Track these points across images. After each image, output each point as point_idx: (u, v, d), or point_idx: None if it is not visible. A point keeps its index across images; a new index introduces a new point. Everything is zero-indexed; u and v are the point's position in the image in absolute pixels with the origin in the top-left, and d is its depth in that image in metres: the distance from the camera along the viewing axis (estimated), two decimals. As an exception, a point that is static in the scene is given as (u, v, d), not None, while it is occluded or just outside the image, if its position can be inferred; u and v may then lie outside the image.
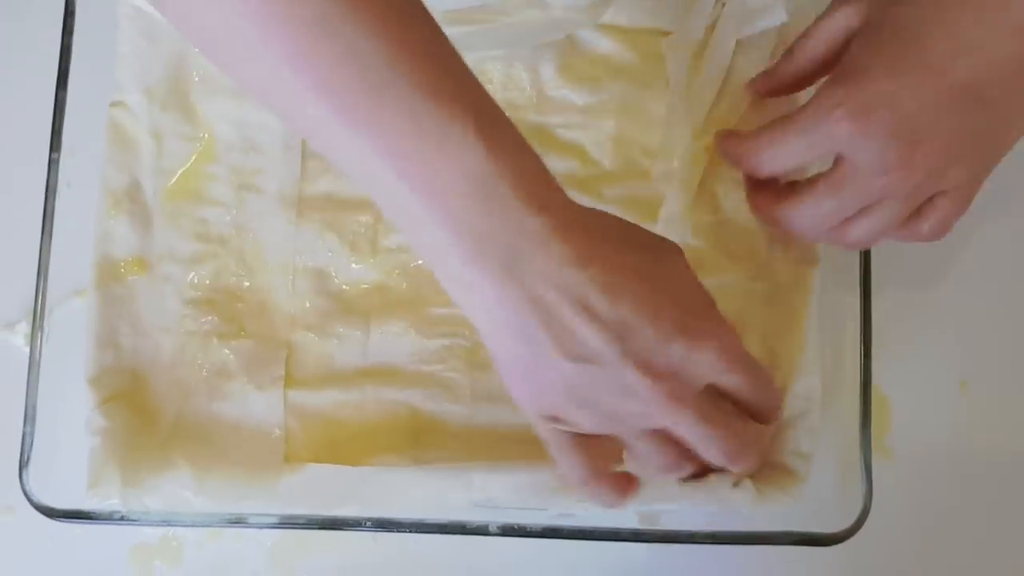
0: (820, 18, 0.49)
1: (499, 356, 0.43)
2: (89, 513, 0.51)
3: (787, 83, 0.52)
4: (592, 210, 0.44)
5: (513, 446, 0.53)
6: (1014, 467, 0.57)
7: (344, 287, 0.55)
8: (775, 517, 0.52)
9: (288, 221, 0.55)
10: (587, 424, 0.44)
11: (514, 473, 0.51)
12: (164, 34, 0.56)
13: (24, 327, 0.57)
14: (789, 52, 0.51)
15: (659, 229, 0.55)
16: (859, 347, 0.53)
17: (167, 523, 0.52)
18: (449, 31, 0.41)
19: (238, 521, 0.51)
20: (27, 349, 0.54)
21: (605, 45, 0.57)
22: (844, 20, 0.48)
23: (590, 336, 0.41)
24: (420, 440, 0.54)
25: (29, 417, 0.52)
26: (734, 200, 0.56)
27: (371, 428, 0.54)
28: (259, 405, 0.54)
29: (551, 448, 0.46)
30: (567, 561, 0.55)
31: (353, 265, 0.55)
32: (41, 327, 0.53)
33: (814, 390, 0.53)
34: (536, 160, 0.43)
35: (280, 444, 0.53)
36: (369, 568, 0.55)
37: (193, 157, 0.56)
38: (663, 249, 0.45)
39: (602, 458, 0.47)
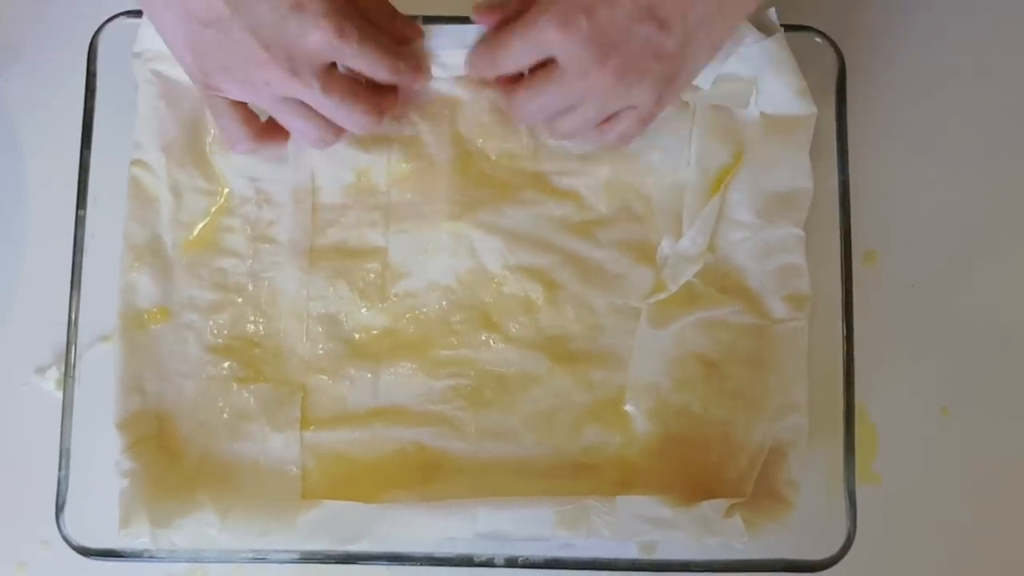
0: None
1: (166, 31, 0.51)
2: (121, 552, 0.54)
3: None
4: None
5: (516, 479, 0.56)
6: (993, 490, 0.60)
7: (355, 332, 0.58)
8: (767, 543, 0.54)
9: (301, 270, 0.58)
10: (234, 90, 0.52)
11: (516, 508, 0.54)
12: (181, 96, 0.58)
13: (55, 372, 0.60)
14: None
15: (665, 260, 0.58)
16: (842, 381, 0.56)
17: (193, 560, 0.55)
18: None
19: (260, 558, 0.54)
20: (58, 394, 0.57)
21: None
22: None
23: (204, 6, 0.48)
24: (428, 475, 0.57)
25: (63, 460, 0.55)
26: (729, 240, 0.58)
27: (382, 465, 0.57)
28: (277, 445, 0.57)
29: (212, 114, 0.55)
30: (570, 589, 0.57)
31: (363, 311, 0.58)
32: (73, 374, 0.56)
33: (802, 421, 0.56)
34: None
35: (297, 482, 0.56)
36: (383, 598, 0.58)
37: (211, 211, 0.59)
38: None
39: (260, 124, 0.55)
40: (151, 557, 0.55)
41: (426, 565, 0.54)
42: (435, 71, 0.58)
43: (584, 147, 0.59)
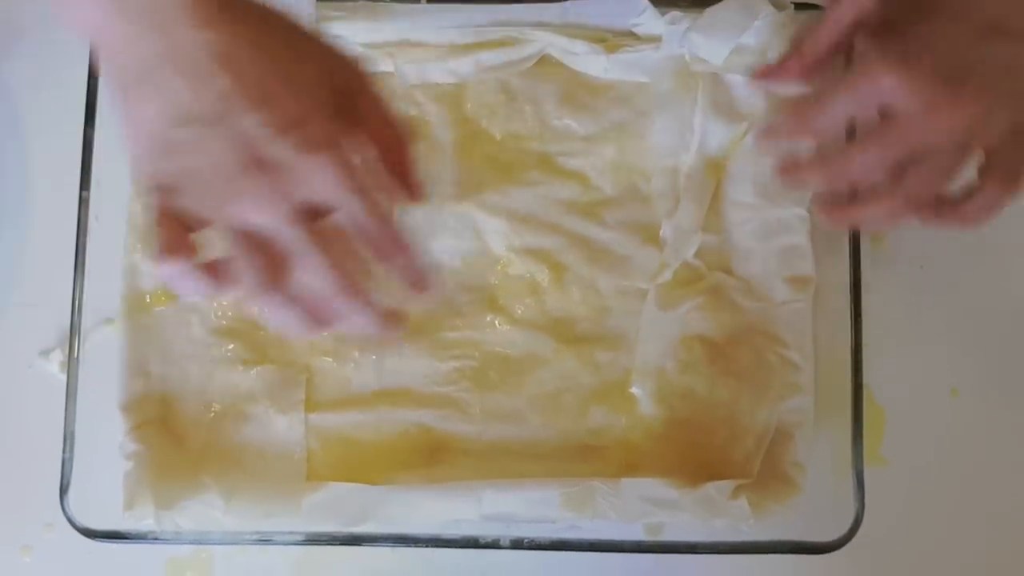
0: (831, 9, 0.50)
1: (122, 108, 0.42)
2: (126, 533, 0.54)
3: (799, 69, 0.52)
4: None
5: (522, 461, 0.56)
6: (1003, 472, 0.59)
7: (359, 314, 0.58)
8: (774, 525, 0.54)
9: (305, 251, 0.58)
10: (187, 201, 0.42)
11: (522, 490, 0.54)
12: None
13: (58, 355, 0.60)
14: (799, 43, 0.52)
15: (666, 241, 0.57)
16: (849, 363, 0.55)
17: (198, 542, 0.55)
18: None
19: (265, 539, 0.54)
20: (62, 376, 0.56)
21: (604, 72, 0.59)
22: (855, 5, 0.49)
23: (192, 99, 0.40)
24: (434, 457, 0.57)
25: (67, 443, 0.55)
26: (732, 221, 0.58)
27: (387, 447, 0.57)
28: (282, 427, 0.57)
29: (152, 217, 0.43)
30: (575, 572, 0.57)
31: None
32: (76, 356, 0.56)
33: (807, 403, 0.56)
34: None
35: (302, 464, 0.56)
36: (389, 578, 0.59)
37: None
38: (314, 52, 0.44)
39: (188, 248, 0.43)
40: (155, 539, 0.55)
41: (431, 547, 0.54)
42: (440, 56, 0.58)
43: (590, 127, 0.59)
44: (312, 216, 0.42)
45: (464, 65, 0.59)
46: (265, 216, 0.41)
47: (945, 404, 0.60)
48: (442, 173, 0.58)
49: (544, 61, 0.59)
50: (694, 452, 0.56)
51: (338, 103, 0.44)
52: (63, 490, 0.54)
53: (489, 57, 0.59)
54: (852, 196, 0.49)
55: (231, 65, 0.41)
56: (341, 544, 0.54)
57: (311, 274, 0.43)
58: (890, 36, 0.46)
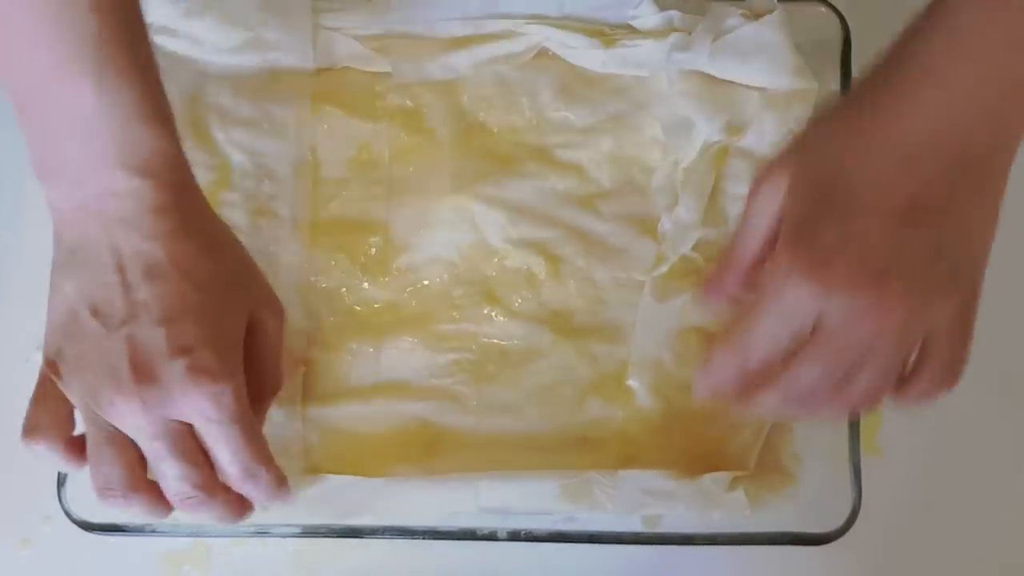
0: (747, 206, 0.47)
1: (52, 275, 0.46)
2: (123, 526, 0.54)
3: (738, 278, 0.49)
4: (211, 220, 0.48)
5: (519, 453, 0.56)
6: (999, 463, 0.59)
7: (356, 306, 0.58)
8: (773, 517, 0.54)
9: (301, 244, 0.58)
10: (72, 385, 0.45)
11: (520, 481, 0.54)
12: (180, 69, 0.58)
13: (56, 349, 0.60)
14: (728, 252, 0.49)
15: (665, 235, 0.57)
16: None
17: (195, 534, 0.55)
18: None
19: (262, 532, 0.54)
20: (59, 370, 0.56)
21: (602, 66, 0.59)
22: (773, 195, 0.45)
23: (110, 296, 0.44)
24: (431, 450, 0.57)
25: (64, 436, 0.55)
26: (729, 215, 0.58)
27: (385, 440, 0.57)
28: (279, 420, 0.56)
29: (36, 395, 0.48)
30: (574, 563, 0.57)
31: (364, 285, 0.58)
32: (72, 349, 0.56)
33: (805, 395, 0.56)
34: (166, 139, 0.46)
35: (300, 456, 0.56)
36: (386, 571, 0.58)
37: (211, 185, 0.58)
38: (245, 283, 0.49)
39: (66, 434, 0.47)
40: (153, 531, 0.54)
41: (429, 539, 0.54)
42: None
43: (587, 119, 0.59)
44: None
45: (461, 60, 0.59)
46: (136, 423, 0.44)
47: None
48: (439, 165, 0.58)
49: (541, 53, 0.59)
50: (691, 444, 0.56)
51: (246, 338, 0.47)
52: (60, 483, 0.54)
53: (486, 51, 0.59)
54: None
55: (158, 280, 0.44)
56: (338, 537, 0.54)
57: (168, 478, 0.46)
58: (799, 243, 0.42)
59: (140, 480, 0.46)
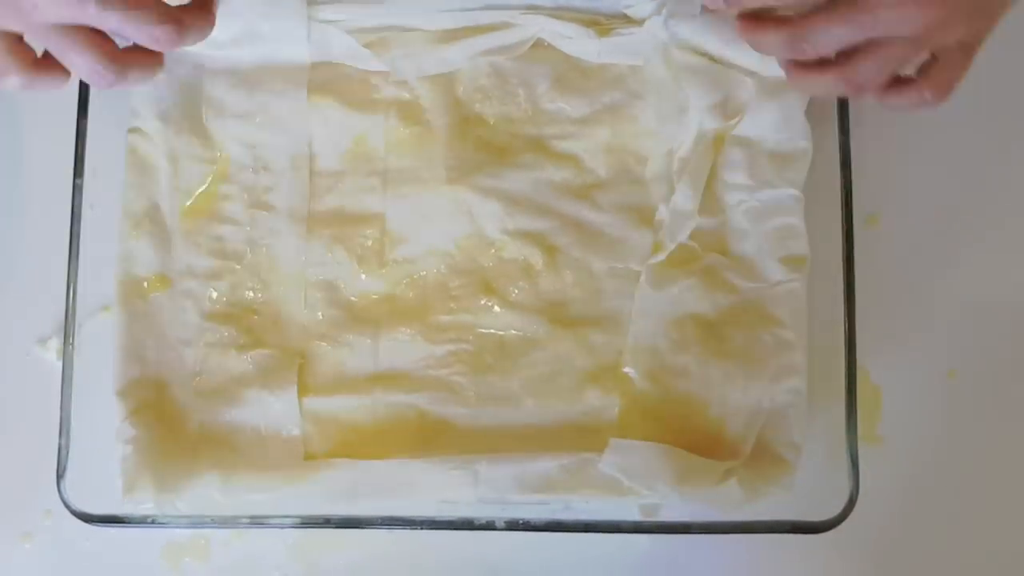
0: None
1: None
2: (124, 518, 0.54)
3: None
4: None
5: (517, 443, 0.56)
6: (999, 453, 0.59)
7: (353, 298, 0.58)
8: (771, 505, 0.54)
9: (299, 236, 0.58)
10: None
11: (516, 463, 0.54)
12: (176, 62, 0.58)
13: (56, 343, 0.60)
14: None
15: (662, 224, 0.57)
16: (844, 342, 0.55)
17: (195, 525, 0.56)
18: None
19: (260, 523, 0.54)
20: (59, 364, 0.57)
21: (597, 56, 0.59)
22: None
23: None
24: (429, 441, 0.57)
25: (64, 428, 0.55)
26: (726, 203, 0.58)
27: (383, 431, 0.57)
28: (276, 410, 0.57)
29: None
30: (572, 552, 0.58)
31: (362, 277, 0.58)
32: (72, 343, 0.56)
33: (801, 383, 0.56)
34: None
35: (299, 445, 0.56)
36: (385, 561, 0.59)
37: (208, 178, 0.58)
38: None
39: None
40: (153, 523, 0.55)
41: (426, 529, 0.54)
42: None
43: (583, 110, 0.59)
44: None
45: (456, 52, 0.59)
46: (63, 11, 0.44)
47: (942, 385, 0.60)
48: (435, 157, 0.59)
49: (537, 44, 0.59)
50: (688, 432, 0.56)
51: None
52: (59, 475, 0.54)
53: (481, 42, 0.59)
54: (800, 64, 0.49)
55: None
56: (336, 527, 0.54)
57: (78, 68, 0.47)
58: None
59: (112, 54, 0.47)
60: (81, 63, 0.47)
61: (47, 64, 0.48)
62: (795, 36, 0.46)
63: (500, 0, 0.59)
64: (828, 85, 0.48)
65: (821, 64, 0.48)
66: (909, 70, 0.48)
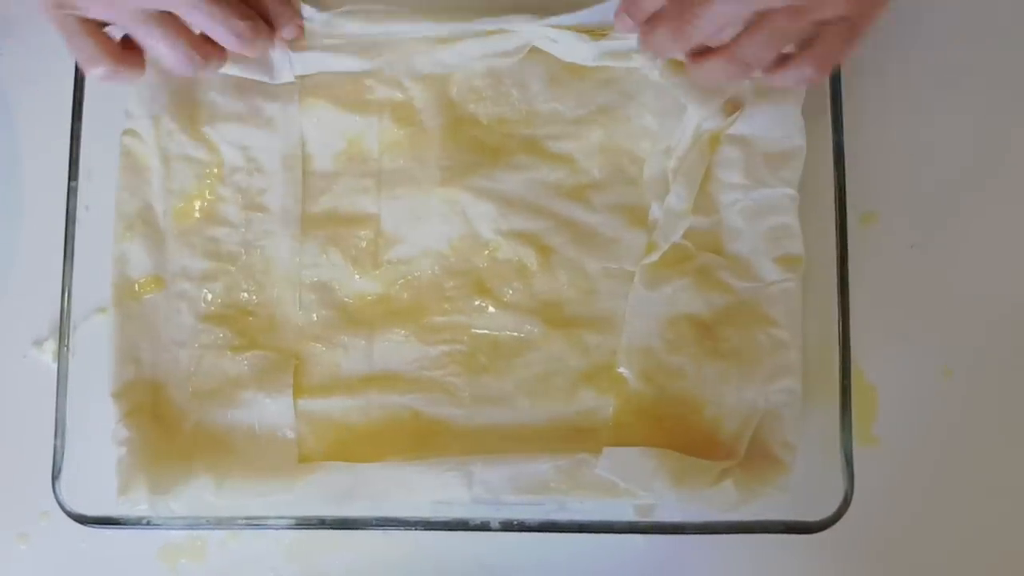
0: None
1: None
2: (119, 519, 0.55)
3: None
4: None
5: (511, 444, 0.56)
6: (994, 452, 0.59)
7: (348, 299, 0.58)
8: (765, 505, 0.54)
9: (293, 238, 0.58)
10: (89, 6, 0.48)
11: (511, 464, 0.54)
12: (170, 64, 0.58)
13: (51, 344, 0.60)
14: None
15: (656, 224, 0.57)
16: (838, 344, 0.55)
17: (191, 526, 0.56)
18: None
19: (255, 524, 0.55)
20: (55, 365, 0.57)
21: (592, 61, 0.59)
22: None
23: None
24: (423, 441, 0.57)
25: (59, 430, 0.55)
26: (721, 202, 0.58)
27: (377, 432, 0.57)
28: (271, 412, 0.57)
29: (64, 36, 0.49)
30: (566, 553, 0.58)
31: (356, 278, 0.58)
32: (67, 345, 0.56)
33: (796, 383, 0.56)
34: None
35: (293, 447, 0.56)
36: (380, 562, 0.59)
37: (202, 180, 0.58)
38: None
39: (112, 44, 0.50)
40: (148, 524, 0.55)
41: (421, 530, 0.54)
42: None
43: (577, 110, 0.59)
44: None
45: (451, 56, 0.59)
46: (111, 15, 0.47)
47: (938, 385, 0.59)
48: (429, 158, 0.59)
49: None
50: (682, 432, 0.56)
51: None
52: (55, 477, 0.55)
53: (475, 47, 0.58)
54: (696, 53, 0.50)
55: None
56: (332, 528, 0.54)
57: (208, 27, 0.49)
58: None
59: (197, 43, 0.50)
60: (171, 50, 0.49)
61: (129, 55, 0.51)
62: (680, 23, 0.47)
63: (493, 20, 0.58)
64: (718, 68, 0.49)
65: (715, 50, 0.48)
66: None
